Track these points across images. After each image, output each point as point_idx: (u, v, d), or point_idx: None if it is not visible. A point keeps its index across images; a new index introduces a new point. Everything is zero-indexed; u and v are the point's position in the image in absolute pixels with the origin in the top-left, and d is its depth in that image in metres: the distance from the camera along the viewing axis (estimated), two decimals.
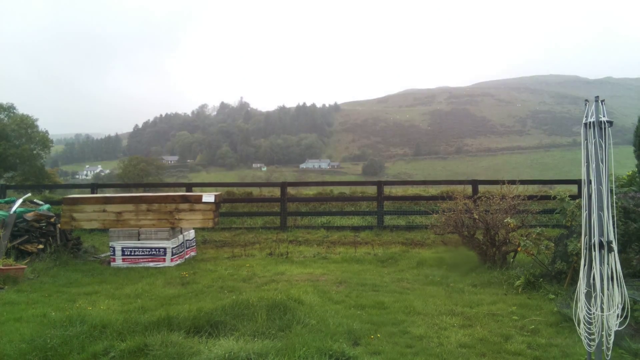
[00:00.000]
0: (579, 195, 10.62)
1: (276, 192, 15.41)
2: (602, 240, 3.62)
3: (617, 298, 3.60)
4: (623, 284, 3.60)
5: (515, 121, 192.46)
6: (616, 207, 5.79)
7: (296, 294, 6.07)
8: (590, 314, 3.67)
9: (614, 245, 3.63)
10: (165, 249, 9.19)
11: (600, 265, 3.60)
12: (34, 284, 7.49)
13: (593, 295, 3.65)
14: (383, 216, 13.03)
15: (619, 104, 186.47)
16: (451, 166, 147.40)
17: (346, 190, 16.49)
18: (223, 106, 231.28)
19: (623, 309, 3.63)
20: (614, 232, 3.66)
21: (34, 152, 41.43)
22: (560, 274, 7.04)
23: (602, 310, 3.59)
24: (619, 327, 3.65)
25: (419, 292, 6.97)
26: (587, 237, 3.72)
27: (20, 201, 10.13)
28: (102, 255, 9.98)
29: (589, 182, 3.71)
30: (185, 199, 9.57)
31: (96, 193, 13.81)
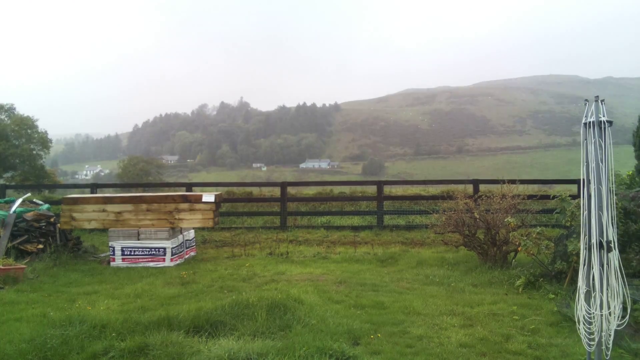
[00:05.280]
0: (578, 195, 10.61)
1: (276, 191, 15.40)
2: (602, 240, 3.62)
3: (617, 298, 3.60)
4: (625, 283, 3.59)
5: (515, 121, 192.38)
6: (616, 207, 5.79)
7: (296, 293, 6.07)
8: (589, 314, 3.67)
9: (613, 245, 3.62)
10: (165, 248, 9.19)
11: (600, 265, 3.60)
12: (33, 284, 7.49)
13: (592, 295, 3.65)
14: (383, 216, 13.03)
15: (619, 104, 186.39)
16: (451, 166, 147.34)
17: (346, 190, 16.49)
18: (223, 106, 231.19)
19: (624, 309, 3.62)
20: (614, 232, 3.66)
21: (34, 152, 41.40)
22: (560, 273, 7.04)
23: (601, 309, 3.59)
24: (618, 327, 3.64)
25: (419, 291, 6.97)
26: (587, 237, 3.72)
27: (20, 201, 10.14)
28: (102, 255, 9.98)
29: (589, 182, 3.71)
30: (185, 199, 9.56)
31: (96, 193, 13.81)
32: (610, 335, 3.62)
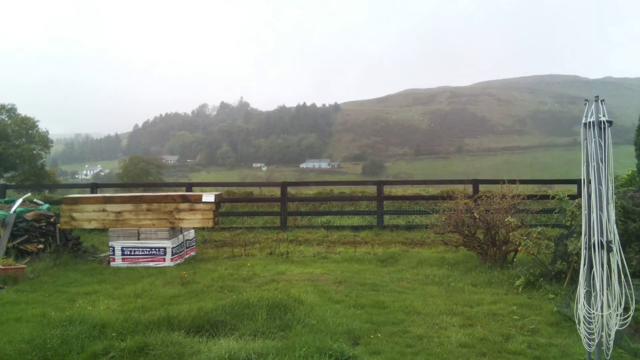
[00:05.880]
0: (578, 195, 10.62)
1: (276, 191, 15.41)
2: (602, 240, 3.62)
3: (618, 297, 3.60)
4: (629, 283, 3.59)
5: (515, 121, 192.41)
6: (616, 206, 5.79)
7: (296, 293, 6.07)
8: (590, 314, 3.67)
9: (614, 245, 3.62)
10: (165, 248, 9.19)
11: (600, 265, 3.60)
12: (33, 284, 7.49)
13: (593, 295, 3.65)
14: (383, 216, 13.03)
15: (619, 104, 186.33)
16: (451, 166, 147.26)
17: (346, 190, 16.50)
18: (223, 106, 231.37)
19: (626, 309, 3.63)
20: (615, 231, 3.66)
21: (34, 152, 41.45)
22: (560, 273, 7.04)
23: (601, 310, 3.59)
24: (619, 327, 3.64)
25: (419, 291, 6.97)
26: (587, 236, 3.72)
27: (20, 201, 10.13)
28: (102, 255, 9.98)
29: (589, 181, 3.71)
30: (185, 199, 9.57)
31: (96, 193, 13.81)
32: (610, 335, 3.62)
